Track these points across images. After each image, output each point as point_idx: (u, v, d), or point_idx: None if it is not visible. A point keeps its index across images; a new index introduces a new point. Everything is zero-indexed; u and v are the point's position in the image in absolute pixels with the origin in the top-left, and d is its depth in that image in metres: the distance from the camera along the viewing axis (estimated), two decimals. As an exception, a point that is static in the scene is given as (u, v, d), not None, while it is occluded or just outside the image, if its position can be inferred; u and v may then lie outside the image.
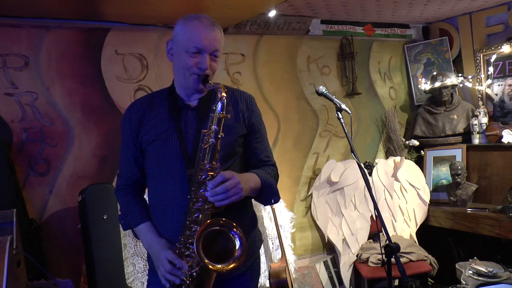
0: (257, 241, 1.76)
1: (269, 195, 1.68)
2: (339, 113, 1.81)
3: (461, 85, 3.95)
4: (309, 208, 3.78)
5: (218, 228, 1.45)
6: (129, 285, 2.74)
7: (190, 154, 1.58)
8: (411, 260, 3.23)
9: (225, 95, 1.51)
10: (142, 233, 1.65)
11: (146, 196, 1.78)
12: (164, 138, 1.60)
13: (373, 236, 3.57)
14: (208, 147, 1.49)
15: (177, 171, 1.58)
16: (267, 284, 3.10)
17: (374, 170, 3.69)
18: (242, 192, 1.48)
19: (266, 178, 1.66)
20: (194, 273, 1.46)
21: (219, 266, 1.42)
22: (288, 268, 3.12)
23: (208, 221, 1.45)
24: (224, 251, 1.46)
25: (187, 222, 1.50)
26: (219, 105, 1.51)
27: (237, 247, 1.45)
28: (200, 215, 1.48)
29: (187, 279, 1.46)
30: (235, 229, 1.46)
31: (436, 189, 3.84)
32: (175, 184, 1.59)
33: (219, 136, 1.50)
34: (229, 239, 1.46)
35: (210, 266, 1.40)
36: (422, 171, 3.87)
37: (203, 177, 1.49)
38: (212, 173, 1.48)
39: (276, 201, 1.71)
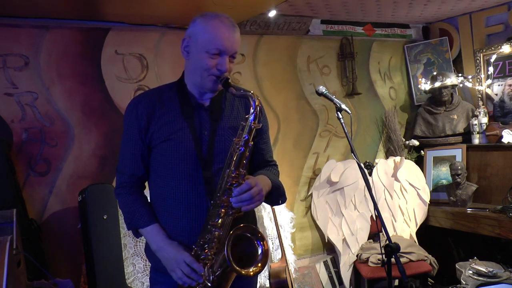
0: None
1: (278, 196, 1.71)
2: (339, 113, 1.81)
3: (461, 85, 3.95)
4: (309, 208, 3.78)
5: (244, 234, 1.50)
6: (129, 285, 2.74)
7: (205, 156, 1.57)
8: (411, 260, 3.23)
9: (258, 103, 1.52)
10: (150, 234, 1.63)
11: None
12: (178, 138, 1.58)
13: (373, 236, 3.57)
14: (236, 155, 1.50)
15: (192, 173, 1.57)
16: (267, 284, 3.09)
17: (374, 170, 3.69)
18: (263, 198, 1.53)
19: (276, 180, 1.69)
20: (215, 276, 1.49)
21: (250, 269, 1.48)
22: (288, 268, 3.12)
23: (237, 227, 1.49)
24: (245, 255, 1.50)
25: (208, 226, 1.51)
26: (252, 116, 1.51)
27: (259, 252, 1.51)
28: (220, 220, 1.51)
29: (209, 282, 1.48)
30: (260, 240, 1.51)
31: (436, 189, 3.84)
32: (188, 185, 1.57)
33: (250, 144, 1.51)
34: (252, 244, 1.51)
35: (251, 273, 1.48)
36: (422, 171, 3.87)
37: (228, 183, 1.50)
38: (238, 180, 1.50)
39: (283, 201, 1.74)
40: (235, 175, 1.49)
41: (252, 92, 1.53)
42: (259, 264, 1.50)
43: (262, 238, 1.51)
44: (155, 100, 1.63)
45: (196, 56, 1.56)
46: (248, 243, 1.50)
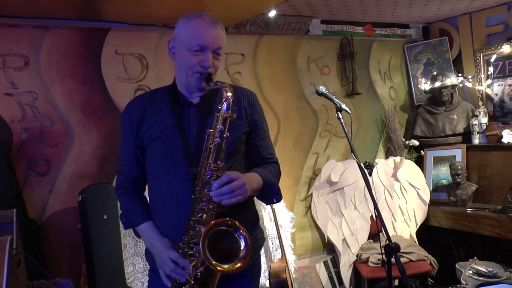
0: (259, 239, 1.75)
1: (271, 195, 1.68)
2: (339, 113, 1.81)
3: (461, 85, 3.95)
4: (309, 208, 3.78)
5: (223, 228, 1.45)
6: (129, 285, 2.74)
7: (193, 153, 1.57)
8: (411, 260, 3.23)
9: (230, 94, 1.50)
10: (144, 232, 1.65)
11: (146, 194, 1.77)
12: (166, 136, 1.59)
13: (373, 236, 3.57)
14: (213, 147, 1.48)
15: (180, 170, 1.57)
16: (267, 284, 3.09)
17: (374, 170, 3.69)
18: (246, 193, 1.49)
19: (269, 177, 1.66)
20: (199, 273, 1.45)
21: (225, 266, 1.41)
22: (288, 268, 3.12)
23: (214, 221, 1.44)
24: (229, 251, 1.45)
25: (191, 222, 1.49)
26: (225, 105, 1.50)
27: (242, 247, 1.45)
28: (204, 215, 1.48)
29: (191, 279, 1.46)
30: (241, 230, 1.45)
31: (436, 189, 3.84)
32: (178, 183, 1.58)
33: (225, 135, 1.49)
34: (234, 239, 1.45)
35: (218, 268, 1.39)
36: (422, 171, 3.87)
37: (207, 176, 1.48)
38: (217, 173, 1.47)
39: (278, 200, 1.71)
40: (214, 168, 1.47)
41: (226, 83, 1.53)
42: (240, 262, 1.43)
43: (239, 228, 1.45)
44: (147, 101, 1.66)
45: (180, 55, 1.58)
46: (230, 238, 1.45)
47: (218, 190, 1.44)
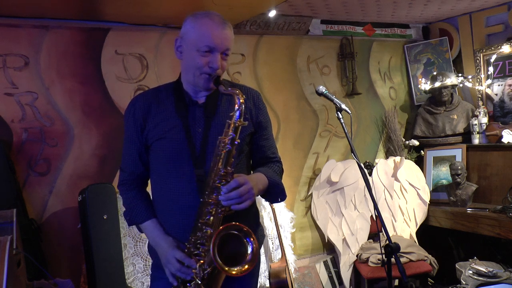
0: (260, 237, 1.77)
1: (276, 194, 1.70)
2: (339, 113, 1.81)
3: (461, 85, 3.95)
4: (309, 208, 3.78)
5: (233, 232, 1.48)
6: (129, 285, 2.74)
7: (198, 153, 1.57)
8: (411, 260, 3.23)
9: (243, 101, 1.51)
10: (148, 230, 1.66)
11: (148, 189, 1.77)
12: (171, 136, 1.59)
13: (373, 236, 3.57)
14: (224, 153, 1.49)
15: (185, 171, 1.57)
16: (267, 284, 3.09)
17: (374, 170, 3.69)
18: (254, 197, 1.51)
19: (274, 177, 1.67)
20: (206, 274, 1.48)
21: (235, 269, 1.44)
22: (288, 268, 3.12)
23: (223, 226, 1.46)
24: (234, 254, 1.47)
25: (199, 224, 1.51)
26: (237, 113, 1.50)
27: (248, 252, 1.48)
28: (212, 218, 1.49)
29: (198, 279, 1.47)
30: (252, 238, 1.48)
31: (436, 189, 3.84)
32: (183, 183, 1.58)
33: (236, 142, 1.50)
34: (242, 243, 1.48)
35: (232, 272, 1.43)
36: (422, 171, 3.87)
37: (217, 181, 1.49)
38: (226, 178, 1.49)
39: (283, 199, 1.73)
40: (223, 173, 1.49)
41: (238, 90, 1.52)
42: (247, 264, 1.47)
43: (249, 234, 1.48)
44: (152, 99, 1.65)
45: (188, 55, 1.56)
46: (238, 242, 1.48)
47: (227, 195, 1.46)
